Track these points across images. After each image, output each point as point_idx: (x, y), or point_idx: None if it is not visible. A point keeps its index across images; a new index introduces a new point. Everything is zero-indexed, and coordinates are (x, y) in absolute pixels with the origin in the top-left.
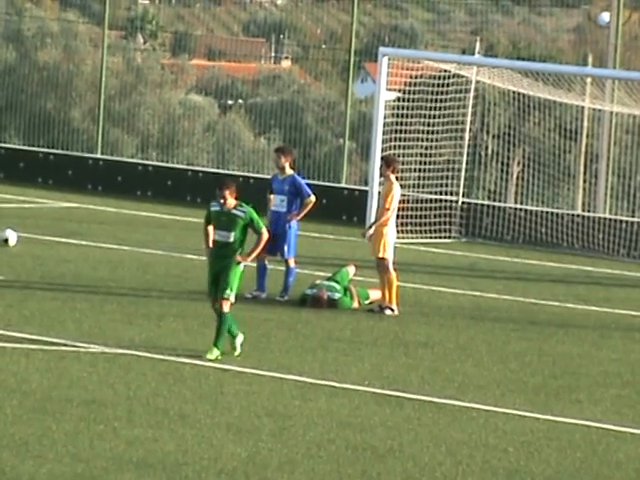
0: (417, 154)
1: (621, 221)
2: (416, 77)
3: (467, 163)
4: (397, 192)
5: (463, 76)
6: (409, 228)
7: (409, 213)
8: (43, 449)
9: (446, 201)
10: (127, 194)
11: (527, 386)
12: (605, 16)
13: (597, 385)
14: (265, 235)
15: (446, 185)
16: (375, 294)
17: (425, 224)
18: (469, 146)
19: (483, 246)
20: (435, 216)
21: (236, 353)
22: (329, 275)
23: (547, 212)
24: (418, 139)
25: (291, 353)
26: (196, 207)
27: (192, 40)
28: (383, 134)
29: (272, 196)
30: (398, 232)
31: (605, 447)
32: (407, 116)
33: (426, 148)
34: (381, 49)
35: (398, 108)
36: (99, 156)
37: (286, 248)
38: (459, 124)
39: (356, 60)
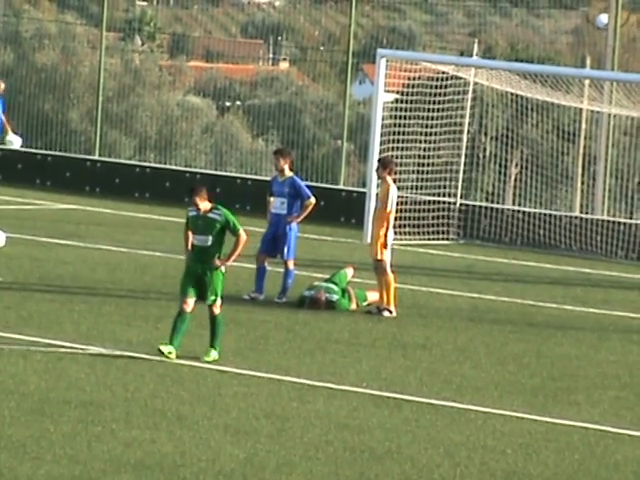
0: (415, 155)
1: (619, 223)
2: (414, 79)
3: (465, 165)
4: (394, 194)
5: (461, 78)
6: (407, 230)
7: (407, 215)
8: (41, 451)
9: (444, 203)
10: (125, 196)
11: (525, 388)
12: (603, 18)
13: (595, 387)
14: (243, 236)
15: (444, 187)
16: (373, 296)
17: (423, 226)
18: (467, 148)
19: (481, 248)
20: (433, 218)
21: (208, 359)
22: (327, 277)
23: (545, 214)
24: (416, 141)
25: (289, 355)
26: None
27: (190, 42)
28: (381, 136)
29: (272, 198)
30: (396, 234)
31: (603, 449)
32: (405, 118)
33: (424, 150)
34: (379, 51)
35: (396, 110)
36: (97, 158)
37: (286, 250)
38: (457, 126)
39: (354, 62)
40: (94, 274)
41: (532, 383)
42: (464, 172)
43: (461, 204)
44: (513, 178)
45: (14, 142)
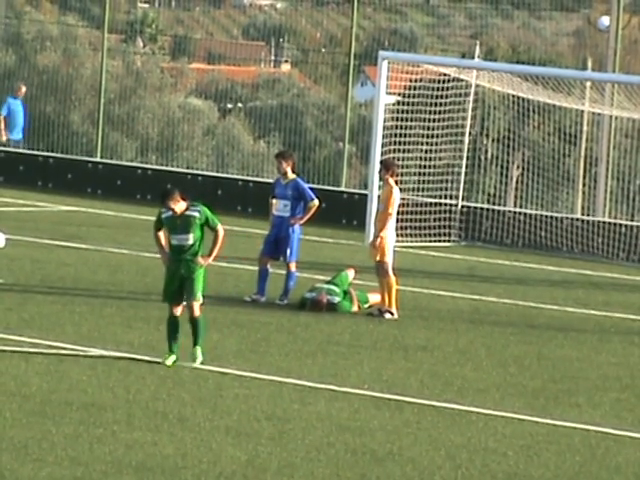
0: (417, 158)
1: (620, 225)
2: (416, 81)
3: (467, 167)
4: (397, 196)
5: (463, 80)
6: (409, 232)
7: (409, 217)
8: (42, 452)
9: (446, 205)
10: (126, 198)
11: (526, 390)
12: (605, 20)
13: (596, 389)
14: (221, 231)
15: (446, 189)
16: (374, 298)
17: (425, 228)
18: (469, 150)
19: (483, 250)
20: (435, 220)
21: (195, 364)
22: (329, 279)
23: (546, 216)
24: (418, 143)
25: (290, 357)
26: None
27: (192, 44)
28: (383, 138)
29: (275, 200)
30: (398, 236)
31: (604, 451)
32: (407, 120)
33: (426, 152)
34: (381, 53)
35: (398, 112)
36: (99, 160)
37: (288, 252)
38: (459, 128)
39: (356, 64)
40: (95, 276)
41: (533, 385)
42: (466, 174)
43: (463, 206)
44: (515, 180)
45: None
